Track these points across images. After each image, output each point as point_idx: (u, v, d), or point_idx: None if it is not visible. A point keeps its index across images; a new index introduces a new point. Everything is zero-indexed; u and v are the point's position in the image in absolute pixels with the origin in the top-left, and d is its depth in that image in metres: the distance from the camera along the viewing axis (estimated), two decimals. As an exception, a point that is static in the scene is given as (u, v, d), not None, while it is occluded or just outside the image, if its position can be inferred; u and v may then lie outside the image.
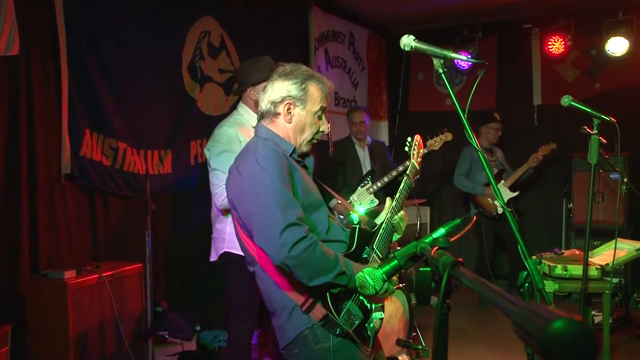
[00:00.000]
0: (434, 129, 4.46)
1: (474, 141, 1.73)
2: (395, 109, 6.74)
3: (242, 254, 2.72)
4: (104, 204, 3.46)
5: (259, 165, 1.72)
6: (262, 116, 1.93)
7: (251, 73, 2.84)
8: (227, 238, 2.80)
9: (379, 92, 6.64)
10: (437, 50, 1.73)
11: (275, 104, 1.87)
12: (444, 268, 1.05)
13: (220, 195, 2.62)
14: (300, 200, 1.76)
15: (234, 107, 3.01)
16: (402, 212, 2.08)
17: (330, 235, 1.89)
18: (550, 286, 3.12)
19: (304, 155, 1.96)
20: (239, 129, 2.75)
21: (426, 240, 1.36)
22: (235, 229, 1.90)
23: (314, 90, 1.88)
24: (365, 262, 1.91)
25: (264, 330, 3.53)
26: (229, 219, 2.78)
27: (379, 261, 1.95)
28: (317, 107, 1.89)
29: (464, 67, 6.06)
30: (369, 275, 1.48)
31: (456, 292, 4.62)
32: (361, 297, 1.83)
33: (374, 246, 1.97)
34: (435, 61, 1.74)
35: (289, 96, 1.85)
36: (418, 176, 2.27)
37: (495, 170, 5.18)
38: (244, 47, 4.38)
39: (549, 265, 3.21)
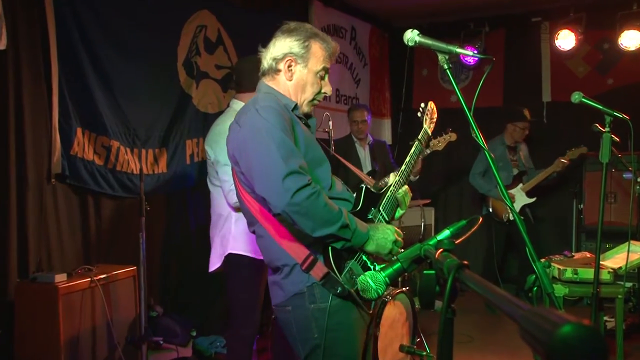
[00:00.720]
0: (439, 126, 4.45)
1: (481, 141, 1.73)
2: (399, 106, 6.74)
3: (248, 254, 2.75)
4: (96, 204, 3.46)
5: (260, 115, 1.76)
6: (263, 74, 1.97)
7: (253, 75, 2.82)
8: (231, 238, 2.81)
9: (381, 89, 6.64)
10: (442, 45, 1.73)
11: (276, 60, 1.91)
12: (449, 271, 1.05)
13: (234, 191, 2.63)
14: (302, 153, 1.78)
15: (231, 105, 3.01)
16: (406, 187, 2.10)
17: (333, 192, 1.92)
18: (559, 290, 3.13)
19: (306, 116, 1.99)
20: None
21: (430, 242, 1.36)
22: (235, 187, 1.94)
23: (317, 49, 1.91)
24: (370, 222, 1.92)
25: (262, 335, 3.53)
26: (234, 217, 2.78)
27: (384, 223, 1.97)
28: (319, 67, 1.92)
29: (470, 62, 6.06)
30: (371, 278, 1.49)
31: (461, 296, 4.61)
32: (364, 257, 1.85)
33: (380, 208, 2.00)
34: (440, 56, 1.74)
35: (290, 53, 1.89)
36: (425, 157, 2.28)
37: (516, 171, 5.13)
38: (242, 42, 4.38)
39: (559, 269, 3.21)
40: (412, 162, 2.15)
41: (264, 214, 1.83)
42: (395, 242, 1.84)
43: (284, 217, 1.71)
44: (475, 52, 5.71)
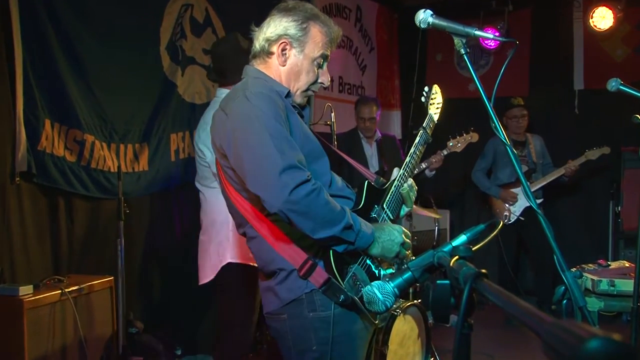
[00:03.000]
0: (454, 119, 4.46)
1: (502, 134, 1.74)
2: (409, 96, 6.73)
3: (249, 262, 2.76)
4: (68, 207, 3.47)
5: (250, 102, 1.76)
6: (254, 56, 1.98)
7: (238, 58, 2.83)
8: (230, 246, 2.82)
9: (390, 77, 6.65)
10: (459, 27, 1.74)
11: (269, 41, 1.92)
12: (465, 281, 1.06)
13: None
14: (298, 145, 1.79)
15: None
16: (410, 181, 2.12)
17: (333, 189, 1.93)
18: (593, 304, 3.12)
19: (299, 107, 2.00)
20: None
21: (445, 249, 1.37)
22: (220, 184, 1.94)
23: (317, 33, 1.92)
24: (374, 221, 1.94)
25: (257, 353, 3.55)
26: (231, 223, 2.79)
27: (389, 222, 1.99)
28: (317, 53, 1.93)
29: (490, 46, 6.06)
30: (378, 289, 1.49)
31: (480, 310, 4.61)
32: (368, 261, 1.87)
33: (384, 205, 2.02)
34: (457, 40, 1.75)
35: (286, 35, 1.90)
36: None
37: (525, 169, 5.18)
38: (233, 24, 4.38)
39: (593, 280, 3.21)
40: (418, 152, 2.19)
41: (255, 213, 1.84)
42: (402, 244, 1.86)
43: (280, 216, 1.71)
44: (497, 34, 5.72)
